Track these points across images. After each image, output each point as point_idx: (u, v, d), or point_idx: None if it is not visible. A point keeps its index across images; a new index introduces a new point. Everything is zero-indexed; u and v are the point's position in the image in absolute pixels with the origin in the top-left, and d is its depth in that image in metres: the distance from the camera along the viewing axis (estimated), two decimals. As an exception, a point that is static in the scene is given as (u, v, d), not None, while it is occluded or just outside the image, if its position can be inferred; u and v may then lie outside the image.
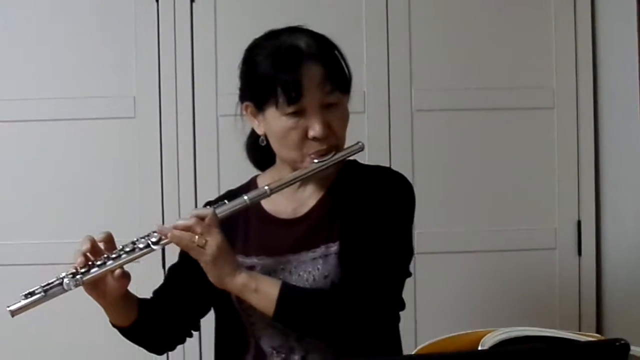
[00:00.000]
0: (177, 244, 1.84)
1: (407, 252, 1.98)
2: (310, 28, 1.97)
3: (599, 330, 3.05)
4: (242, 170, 2.88)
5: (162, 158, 2.99)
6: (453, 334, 1.51)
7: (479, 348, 1.44)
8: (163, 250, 2.16)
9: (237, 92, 2.01)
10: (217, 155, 2.98)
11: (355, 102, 2.83)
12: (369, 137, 2.95)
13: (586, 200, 3.10)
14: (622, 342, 1.37)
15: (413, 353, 1.51)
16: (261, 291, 1.84)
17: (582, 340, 1.48)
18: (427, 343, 1.50)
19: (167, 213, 2.95)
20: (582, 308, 3.08)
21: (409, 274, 1.99)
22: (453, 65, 3.06)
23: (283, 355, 1.94)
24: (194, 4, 2.99)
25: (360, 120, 2.97)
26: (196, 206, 2.93)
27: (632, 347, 1.38)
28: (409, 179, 2.04)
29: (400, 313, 2.01)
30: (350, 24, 3.01)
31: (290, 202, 2.01)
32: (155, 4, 2.98)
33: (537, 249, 3.07)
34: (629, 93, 2.98)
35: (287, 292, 1.85)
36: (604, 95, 3.10)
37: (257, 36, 2.00)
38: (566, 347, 1.46)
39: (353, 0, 3.02)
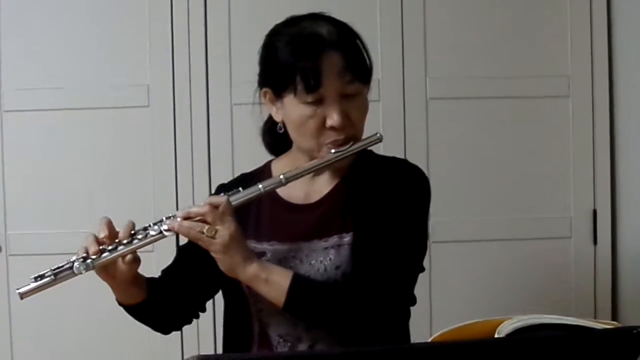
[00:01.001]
0: (186, 236, 1.84)
1: (422, 247, 1.97)
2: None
3: (614, 318, 3.04)
4: (256, 158, 2.88)
5: (176, 147, 2.99)
6: (469, 322, 1.50)
7: (496, 336, 1.44)
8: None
9: (252, 80, 2.00)
10: (231, 143, 2.97)
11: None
12: (384, 125, 2.95)
13: (602, 189, 3.08)
14: (639, 329, 1.36)
15: (429, 341, 1.50)
16: (272, 282, 1.83)
17: (599, 327, 1.47)
18: (443, 331, 1.49)
19: (181, 201, 2.95)
20: (598, 297, 3.07)
21: (422, 269, 1.98)
22: (468, 53, 3.05)
23: (289, 344, 1.93)
24: (207, -8, 3.00)
25: (375, 108, 2.95)
26: (210, 195, 2.93)
27: (648, 335, 1.38)
28: (424, 167, 2.03)
29: (416, 301, 2.00)
30: (365, 12, 2.99)
31: (303, 187, 1.99)
32: (169, -9, 2.99)
33: (553, 238, 3.07)
34: (644, 80, 2.97)
35: (298, 283, 1.84)
36: (620, 83, 3.09)
37: (271, 23, 1.99)
38: (583, 334, 1.45)
39: (367, -13, 3.02)
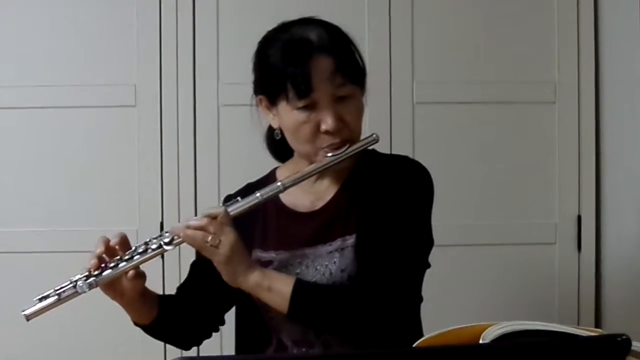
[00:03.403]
0: (190, 244, 1.83)
1: (426, 242, 1.96)
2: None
3: (597, 325, 3.05)
4: (242, 160, 2.88)
5: (162, 146, 2.97)
6: (454, 327, 1.50)
7: (480, 341, 1.44)
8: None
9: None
10: (217, 144, 2.96)
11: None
12: (370, 130, 2.90)
13: (586, 195, 3.09)
14: (624, 337, 1.36)
15: (413, 346, 1.50)
16: (274, 289, 1.83)
17: (584, 335, 1.47)
18: (427, 336, 1.49)
19: (167, 202, 2.94)
20: (581, 303, 3.07)
21: (428, 265, 1.98)
22: (455, 58, 3.05)
23: (303, 349, 1.92)
24: (196, -9, 2.99)
25: (361, 112, 2.96)
26: (195, 196, 2.93)
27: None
28: (410, 171, 2.02)
29: (422, 299, 2.00)
30: (352, 16, 2.99)
31: (308, 195, 1.99)
32: (158, -10, 2.98)
33: (537, 244, 3.07)
34: (630, 88, 2.97)
35: (301, 289, 1.83)
36: (606, 89, 3.09)
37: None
38: (567, 341, 1.45)
39: (355, -8, 3.01)
